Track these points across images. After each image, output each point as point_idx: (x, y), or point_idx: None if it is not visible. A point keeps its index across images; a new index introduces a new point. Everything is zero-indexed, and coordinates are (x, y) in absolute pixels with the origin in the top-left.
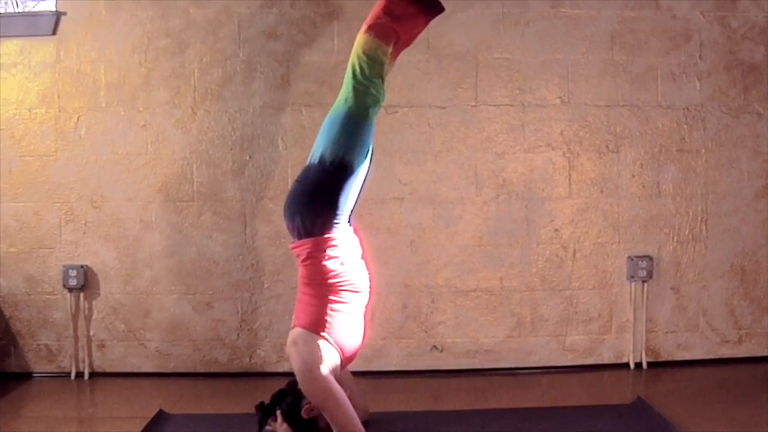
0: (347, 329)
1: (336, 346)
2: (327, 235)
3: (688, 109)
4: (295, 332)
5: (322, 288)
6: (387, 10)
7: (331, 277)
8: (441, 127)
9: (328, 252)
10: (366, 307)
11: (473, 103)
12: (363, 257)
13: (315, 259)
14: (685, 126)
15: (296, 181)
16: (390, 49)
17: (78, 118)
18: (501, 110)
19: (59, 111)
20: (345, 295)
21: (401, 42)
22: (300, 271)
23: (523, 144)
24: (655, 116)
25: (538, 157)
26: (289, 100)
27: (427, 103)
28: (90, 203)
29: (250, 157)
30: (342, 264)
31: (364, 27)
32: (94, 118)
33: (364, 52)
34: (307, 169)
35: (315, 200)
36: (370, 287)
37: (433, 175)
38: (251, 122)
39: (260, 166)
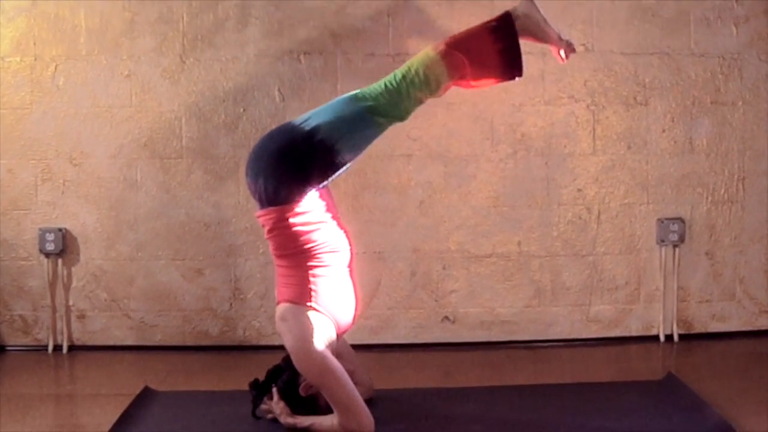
0: (335, 293)
1: (328, 314)
2: (291, 204)
3: (723, 57)
4: (282, 308)
5: (296, 257)
6: (471, 50)
7: (302, 243)
8: None
9: (293, 220)
10: (350, 265)
11: None
12: (335, 215)
13: (280, 229)
14: (721, 76)
15: (269, 136)
16: (448, 84)
17: (56, 68)
18: None
19: (35, 59)
20: (324, 258)
21: (460, 83)
22: (270, 246)
23: (543, 95)
24: (687, 65)
25: (560, 109)
26: (287, 48)
27: None
28: (69, 160)
29: (244, 110)
30: (311, 228)
31: (441, 46)
32: (73, 67)
33: (424, 71)
34: (290, 130)
35: (286, 166)
36: (349, 244)
37: (445, 129)
38: (245, 72)
39: (255, 120)
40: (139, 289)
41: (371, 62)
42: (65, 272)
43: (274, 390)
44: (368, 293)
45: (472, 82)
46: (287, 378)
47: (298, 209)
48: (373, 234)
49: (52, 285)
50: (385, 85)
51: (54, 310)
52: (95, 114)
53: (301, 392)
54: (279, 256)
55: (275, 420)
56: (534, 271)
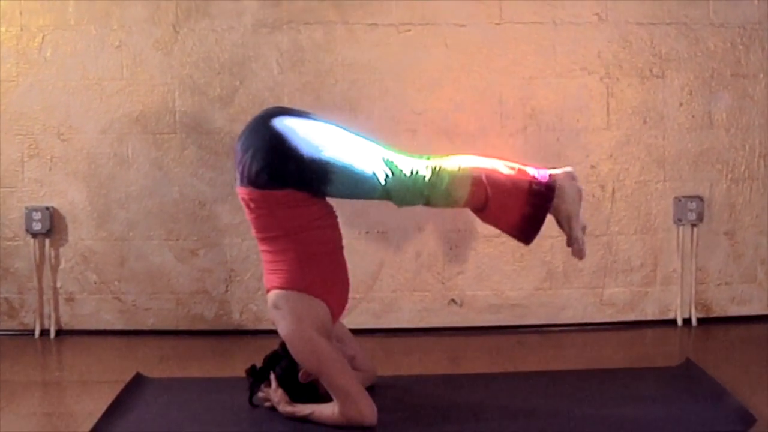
0: (326, 275)
1: (322, 297)
2: (272, 191)
3: (744, 27)
4: (273, 295)
5: (281, 240)
6: (499, 194)
7: (286, 226)
8: (460, 48)
9: (275, 202)
10: (340, 245)
11: (497, 21)
12: None
13: (261, 210)
14: (741, 47)
15: (282, 116)
16: (459, 206)
17: (43, 38)
18: (529, 28)
19: (21, 29)
20: (311, 235)
21: (472, 212)
22: (252, 227)
23: (555, 67)
24: (706, 35)
25: (572, 82)
26: (286, 18)
27: (444, 21)
28: (57, 135)
29: (240, 83)
30: (295, 209)
31: (479, 171)
32: (61, 37)
33: (448, 185)
34: (305, 132)
35: (279, 159)
36: (336, 220)
37: (451, 103)
38: (242, 42)
39: (252, 94)
40: (131, 271)
41: (374, 33)
42: (53, 253)
43: (272, 377)
44: (370, 276)
45: (481, 216)
46: (285, 364)
47: (279, 193)
48: (376, 213)
49: (39, 266)
50: (411, 173)
51: (41, 292)
52: (84, 87)
53: (301, 379)
54: (262, 240)
55: (273, 408)
56: (545, 251)
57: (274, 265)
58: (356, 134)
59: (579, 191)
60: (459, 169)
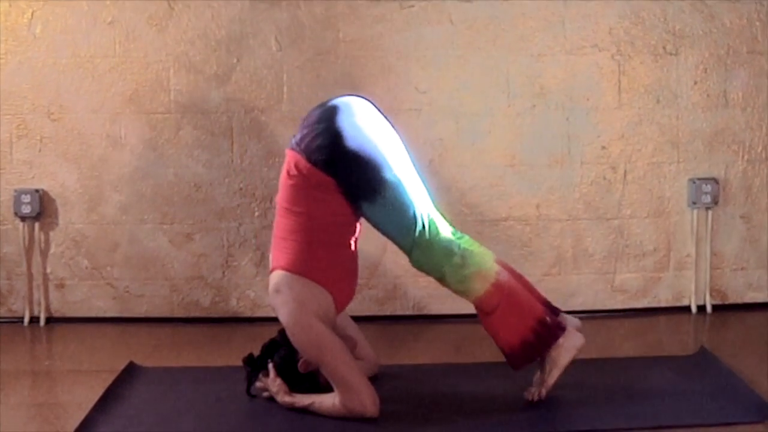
0: (337, 266)
1: (328, 287)
2: (319, 171)
3: (761, 2)
4: (277, 276)
5: (301, 217)
6: (510, 309)
7: (316, 207)
8: (466, 24)
9: (314, 185)
10: (355, 241)
11: None
12: None
13: (299, 182)
14: (758, 23)
15: (371, 107)
16: (468, 299)
17: (32, 14)
18: (537, 4)
19: (9, 5)
20: (332, 226)
21: (476, 309)
22: (280, 192)
23: (564, 44)
24: (721, 11)
25: (582, 59)
26: None
27: None
28: (47, 115)
29: (237, 61)
30: (331, 195)
31: (504, 278)
32: (51, 13)
33: (470, 274)
34: (382, 133)
35: (350, 148)
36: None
37: (457, 81)
38: (239, 18)
39: (250, 71)
40: (123, 256)
41: (376, 8)
42: (42, 237)
43: (270, 366)
44: (373, 261)
45: (483, 319)
46: (284, 353)
47: (323, 177)
48: None
49: (29, 251)
50: (444, 243)
51: (30, 278)
52: (75, 65)
53: (300, 369)
54: (284, 211)
55: (271, 399)
56: (554, 236)
57: (285, 243)
58: (419, 175)
59: (580, 345)
60: (487, 265)
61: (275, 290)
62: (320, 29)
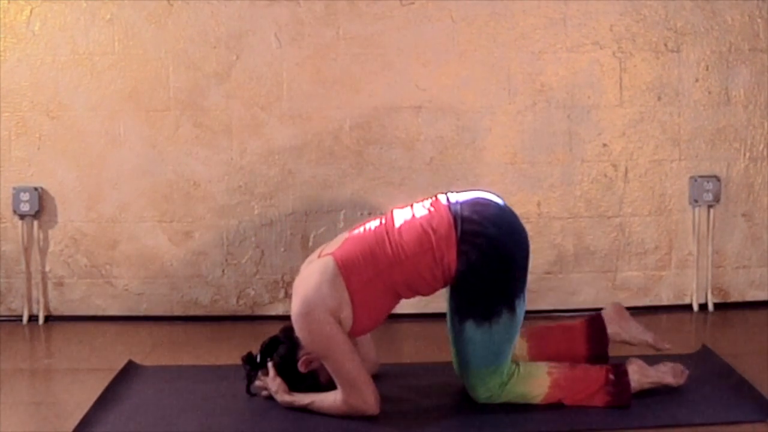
0: (379, 305)
1: (355, 308)
2: (437, 261)
3: None
4: (326, 262)
5: (401, 254)
6: (575, 392)
7: (417, 262)
8: (467, 21)
9: (418, 256)
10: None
11: None
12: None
13: (428, 244)
14: (760, 20)
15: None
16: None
17: (31, 11)
18: (538, 2)
19: (8, 2)
20: (410, 280)
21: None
22: (401, 219)
23: (565, 42)
24: (723, 8)
25: (583, 57)
26: None
27: None
28: (45, 113)
29: (237, 58)
30: (420, 277)
31: (549, 372)
32: (49, 10)
33: (523, 388)
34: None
35: (496, 275)
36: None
37: (457, 78)
38: (239, 15)
39: (250, 69)
40: (123, 254)
41: (377, 5)
42: (41, 235)
43: (270, 365)
44: None
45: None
46: (285, 352)
47: (432, 264)
48: (379, 193)
49: (27, 249)
50: (513, 392)
51: (29, 276)
52: (74, 62)
53: (301, 368)
54: (392, 233)
55: (271, 398)
56: (555, 234)
57: (364, 248)
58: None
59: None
60: (540, 376)
61: (310, 273)
62: (320, 26)
